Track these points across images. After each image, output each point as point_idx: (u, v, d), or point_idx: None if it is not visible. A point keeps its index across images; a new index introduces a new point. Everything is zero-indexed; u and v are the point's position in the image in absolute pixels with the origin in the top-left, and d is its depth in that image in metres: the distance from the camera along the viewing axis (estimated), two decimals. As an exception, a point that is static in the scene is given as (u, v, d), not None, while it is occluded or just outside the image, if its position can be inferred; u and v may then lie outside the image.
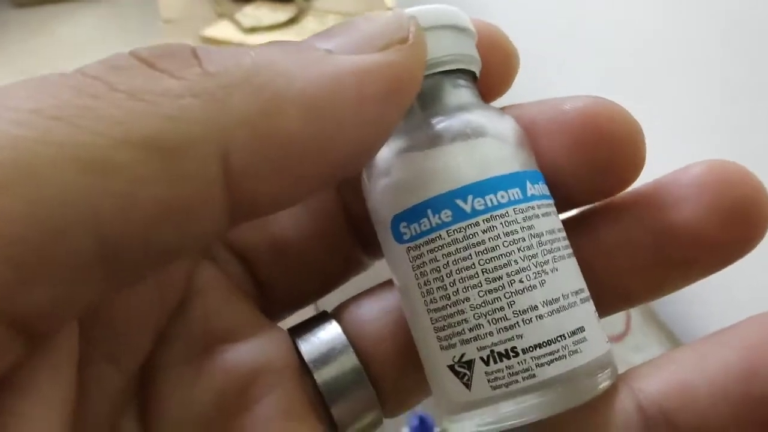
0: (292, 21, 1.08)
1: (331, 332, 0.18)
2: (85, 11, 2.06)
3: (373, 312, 0.18)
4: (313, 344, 0.18)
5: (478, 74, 0.18)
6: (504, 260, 0.15)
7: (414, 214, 0.16)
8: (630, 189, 0.17)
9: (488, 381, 0.15)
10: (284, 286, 0.19)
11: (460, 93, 0.17)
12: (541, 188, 0.16)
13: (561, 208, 0.17)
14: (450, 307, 0.16)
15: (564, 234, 0.16)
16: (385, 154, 0.17)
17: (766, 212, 0.16)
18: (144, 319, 0.17)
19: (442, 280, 0.16)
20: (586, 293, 0.16)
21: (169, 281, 0.17)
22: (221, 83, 0.12)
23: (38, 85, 0.11)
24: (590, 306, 0.16)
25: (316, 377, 0.17)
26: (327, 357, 0.18)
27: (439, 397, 0.16)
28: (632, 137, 0.16)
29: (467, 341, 0.15)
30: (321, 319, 0.19)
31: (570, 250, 0.16)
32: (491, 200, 0.15)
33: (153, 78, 0.12)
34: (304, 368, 0.18)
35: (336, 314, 0.19)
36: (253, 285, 0.19)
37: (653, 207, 0.17)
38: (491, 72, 0.18)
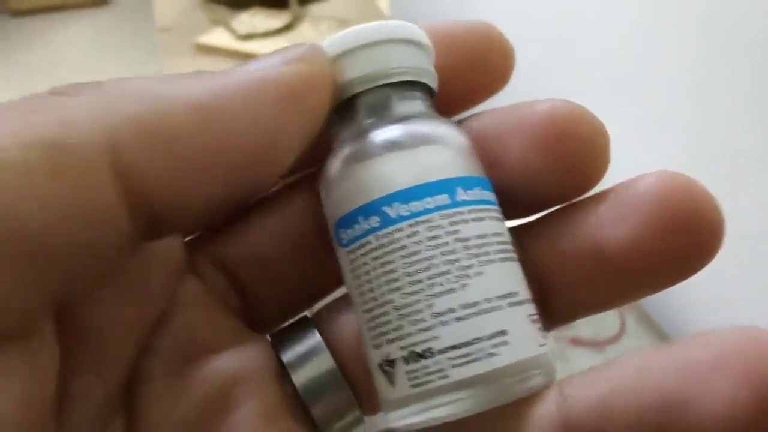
0: (287, 27, 1.09)
1: (309, 336, 0.19)
2: (81, 20, 2.06)
3: (351, 315, 0.18)
4: (292, 348, 0.19)
5: (433, 86, 0.19)
6: (425, 264, 0.16)
7: (349, 220, 0.17)
8: (587, 195, 0.18)
9: (408, 380, 0.16)
10: (270, 298, 0.19)
11: (407, 104, 0.18)
12: (478, 194, 0.17)
13: (533, 209, 0.18)
14: (378, 308, 0.16)
15: (503, 238, 0.17)
16: (335, 164, 0.18)
17: (715, 227, 0.16)
18: (125, 332, 0.17)
19: (371, 283, 0.17)
20: (520, 297, 0.16)
21: (149, 294, 0.18)
22: (113, 94, 0.14)
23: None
24: (522, 310, 0.16)
25: (293, 379, 0.18)
26: (304, 360, 0.18)
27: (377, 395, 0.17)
28: (596, 138, 0.17)
29: (391, 341, 0.16)
30: (301, 323, 0.19)
31: (507, 255, 0.17)
32: (416, 206, 0.16)
33: (55, 99, 0.14)
34: (284, 372, 0.18)
35: (316, 318, 0.19)
36: (237, 298, 0.19)
37: (600, 218, 0.17)
38: (488, 69, 0.19)
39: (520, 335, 0.16)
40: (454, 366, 0.15)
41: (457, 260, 0.16)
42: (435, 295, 0.16)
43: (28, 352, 0.14)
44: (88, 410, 0.16)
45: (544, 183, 0.18)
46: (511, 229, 0.18)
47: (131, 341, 0.17)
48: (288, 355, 0.18)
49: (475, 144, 0.18)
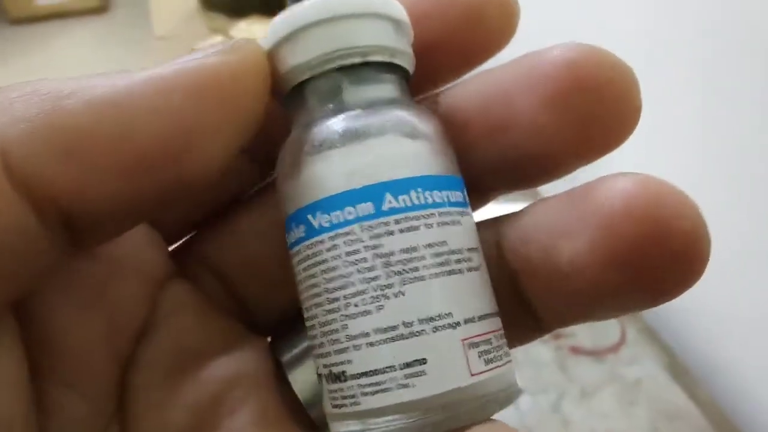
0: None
1: (305, 337, 0.17)
2: (80, 28, 2.06)
3: None
4: (289, 350, 0.18)
5: (403, 64, 0.16)
6: (342, 282, 0.15)
7: (287, 224, 0.16)
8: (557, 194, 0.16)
9: (330, 399, 0.15)
10: (262, 298, 0.19)
11: (364, 90, 0.16)
12: (419, 197, 0.15)
13: (552, 176, 0.16)
14: (309, 320, 0.16)
15: (446, 248, 0.15)
16: (280, 160, 0.16)
17: (696, 238, 0.14)
18: (100, 345, 0.17)
19: (302, 294, 0.16)
20: (454, 319, 0.14)
21: (122, 305, 0.17)
22: (10, 96, 0.13)
23: None
24: (454, 334, 0.14)
25: (290, 381, 0.17)
26: (301, 360, 0.18)
27: None
28: (622, 83, 0.15)
29: (318, 356, 0.15)
30: (298, 323, 0.18)
31: (448, 268, 0.15)
32: (337, 217, 0.15)
33: None
34: (281, 373, 0.18)
35: None
36: (230, 300, 0.19)
37: (562, 225, 0.15)
38: (486, 22, 0.17)
39: (446, 363, 0.14)
40: (363, 394, 0.14)
41: (375, 278, 0.14)
42: (350, 317, 0.14)
43: None
44: (68, 424, 0.16)
45: (562, 144, 0.15)
46: (486, 223, 0.17)
47: (109, 354, 0.17)
48: (285, 357, 0.18)
49: (480, 109, 0.16)
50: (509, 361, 0.15)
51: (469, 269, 0.15)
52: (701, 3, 0.54)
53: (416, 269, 0.14)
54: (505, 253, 0.16)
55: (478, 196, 0.18)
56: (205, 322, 0.18)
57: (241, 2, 1.14)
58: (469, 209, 0.16)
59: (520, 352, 0.56)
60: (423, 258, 0.14)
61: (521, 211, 0.16)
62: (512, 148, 0.16)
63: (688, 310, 0.59)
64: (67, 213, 0.14)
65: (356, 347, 0.14)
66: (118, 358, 0.17)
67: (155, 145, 0.14)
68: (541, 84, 0.15)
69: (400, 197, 0.15)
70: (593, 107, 0.15)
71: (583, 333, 0.58)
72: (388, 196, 0.15)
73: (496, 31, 0.17)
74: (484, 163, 0.17)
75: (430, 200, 0.15)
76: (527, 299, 0.16)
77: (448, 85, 0.18)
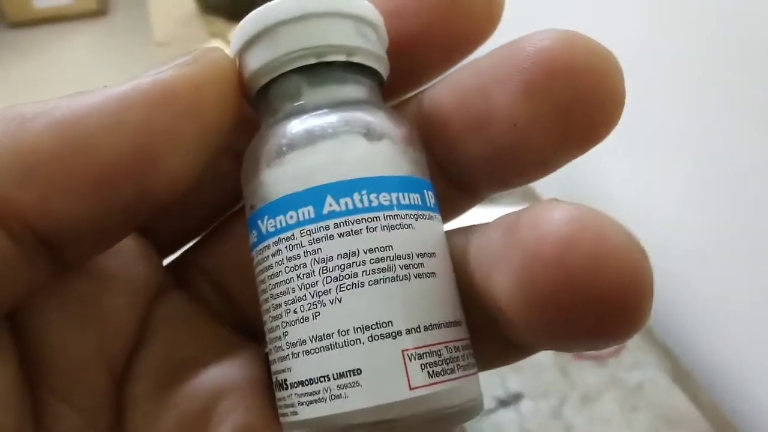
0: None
1: None
2: (80, 32, 2.06)
3: None
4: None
5: (369, 64, 0.16)
6: (284, 287, 0.14)
7: (247, 227, 0.16)
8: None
9: (278, 406, 0.15)
10: (257, 305, 0.19)
11: (325, 92, 0.16)
12: (363, 200, 0.14)
13: (534, 172, 0.16)
14: (264, 326, 0.16)
15: (385, 254, 0.14)
16: (244, 162, 0.16)
17: (637, 305, 0.12)
18: (90, 361, 0.17)
19: (257, 298, 0.16)
20: (392, 329, 0.14)
21: (113, 320, 0.17)
22: None
23: None
24: (393, 344, 0.14)
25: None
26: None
27: None
28: (602, 68, 0.14)
29: (270, 361, 0.15)
30: None
31: (383, 275, 0.14)
32: (280, 222, 0.15)
33: None
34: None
35: None
36: (226, 307, 0.19)
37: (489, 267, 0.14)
38: (469, 17, 0.16)
39: (382, 374, 0.13)
40: (300, 404, 0.14)
41: (313, 284, 0.14)
42: (290, 323, 0.14)
43: None
44: None
45: (541, 137, 0.14)
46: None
47: (103, 368, 0.17)
48: None
49: (459, 104, 0.16)
50: (468, 375, 0.14)
51: (419, 276, 0.14)
52: (697, 2, 0.54)
53: (355, 275, 0.14)
54: (467, 266, 0.15)
55: (467, 195, 0.18)
56: (199, 332, 0.18)
57: (239, 6, 1.14)
58: (431, 213, 0.15)
59: (521, 357, 0.56)
60: (363, 263, 0.14)
61: (484, 224, 0.15)
62: (492, 143, 0.15)
63: (689, 314, 0.59)
64: (39, 233, 0.14)
65: (294, 355, 0.14)
66: (111, 371, 0.17)
67: (114, 162, 0.14)
68: (516, 74, 0.14)
69: (342, 200, 0.14)
70: (570, 96, 0.14)
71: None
72: (329, 199, 0.14)
73: (477, 23, 0.16)
74: (468, 160, 0.16)
75: (375, 203, 0.14)
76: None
77: (433, 82, 0.17)
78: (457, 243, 0.16)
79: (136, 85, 0.14)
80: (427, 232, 0.15)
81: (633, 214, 0.59)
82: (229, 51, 0.16)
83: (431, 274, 0.14)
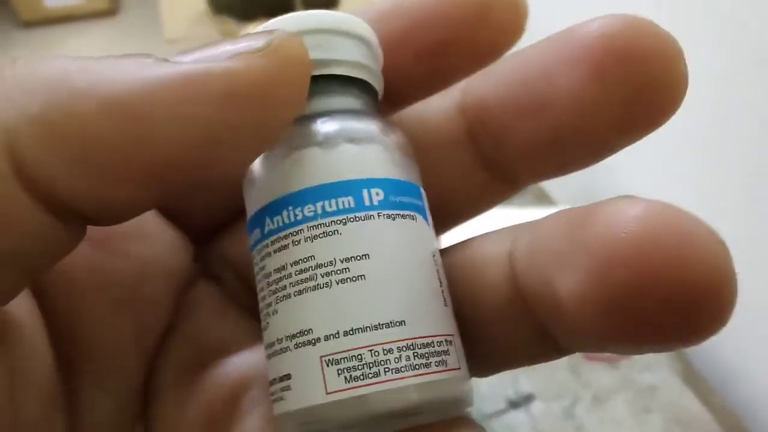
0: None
1: None
2: (90, 31, 2.07)
3: None
4: None
5: (355, 75, 0.16)
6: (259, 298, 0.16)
7: None
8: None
9: None
10: None
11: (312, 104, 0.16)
12: (287, 216, 0.15)
13: (587, 158, 0.16)
14: None
15: (308, 265, 0.15)
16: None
17: (722, 301, 0.11)
18: (128, 345, 0.17)
19: None
20: (312, 336, 0.14)
21: (149, 305, 0.17)
22: (23, 87, 0.12)
23: None
24: (313, 351, 0.14)
25: None
26: None
27: None
28: (668, 52, 0.14)
29: None
30: None
31: (305, 285, 0.14)
32: (252, 239, 0.16)
33: None
34: None
35: None
36: (253, 299, 0.19)
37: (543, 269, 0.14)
38: (494, 20, 0.17)
39: (305, 380, 0.14)
40: (272, 401, 0.15)
41: (263, 298, 0.15)
42: (263, 330, 0.15)
43: (14, 367, 0.14)
44: (97, 425, 0.16)
45: (606, 120, 0.14)
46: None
47: (136, 354, 0.17)
48: None
49: (516, 89, 0.16)
50: (404, 377, 0.14)
51: (342, 281, 0.14)
52: (715, 6, 0.53)
53: (284, 288, 0.15)
54: (515, 267, 0.15)
55: (509, 186, 0.18)
56: (225, 322, 0.18)
57: (250, 6, 1.15)
58: (369, 213, 0.15)
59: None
60: (290, 276, 0.15)
61: (532, 223, 0.15)
62: (552, 127, 0.15)
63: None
64: (84, 213, 0.13)
65: (266, 359, 0.15)
66: (146, 357, 0.17)
67: (176, 156, 0.13)
68: (583, 57, 0.14)
69: (275, 218, 0.15)
70: (638, 79, 0.14)
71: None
72: (267, 220, 0.15)
73: (503, 30, 0.17)
74: (520, 146, 0.16)
75: (299, 216, 0.15)
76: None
77: (475, 75, 0.17)
78: (495, 247, 0.16)
79: (206, 72, 0.13)
80: (358, 235, 0.15)
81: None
82: None
83: (358, 278, 0.14)
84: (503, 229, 0.16)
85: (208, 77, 0.13)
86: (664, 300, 0.11)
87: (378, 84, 0.17)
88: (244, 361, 0.17)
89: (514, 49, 0.17)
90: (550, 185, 0.71)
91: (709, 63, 0.55)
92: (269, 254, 0.15)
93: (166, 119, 0.12)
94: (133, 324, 0.17)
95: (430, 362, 0.14)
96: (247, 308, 0.19)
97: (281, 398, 0.15)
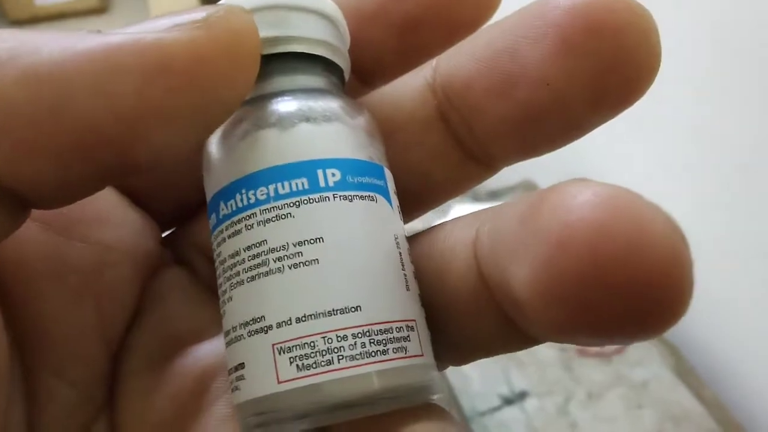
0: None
1: None
2: (80, 29, 2.06)
3: None
4: None
5: (321, 54, 0.16)
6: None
7: None
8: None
9: None
10: None
11: (273, 82, 0.16)
12: (240, 200, 0.14)
13: (560, 137, 0.15)
14: None
15: (260, 249, 0.14)
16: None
17: (678, 291, 0.11)
18: (87, 334, 0.16)
19: None
20: (264, 323, 0.14)
21: (112, 293, 0.17)
22: None
23: None
24: (267, 338, 0.14)
25: None
26: None
27: None
28: (641, 26, 0.13)
29: None
30: None
31: (257, 271, 0.14)
32: (212, 222, 0.15)
33: None
34: None
35: None
36: None
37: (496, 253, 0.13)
38: (468, 3, 0.17)
39: (257, 369, 0.14)
40: (231, 391, 0.15)
41: (220, 285, 0.15)
42: (222, 318, 0.15)
43: None
44: (59, 414, 0.16)
45: (576, 97, 0.14)
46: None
47: (99, 342, 0.17)
48: None
49: (483, 66, 0.15)
50: (360, 365, 0.14)
51: (294, 266, 0.14)
52: (700, 4, 0.53)
53: (238, 273, 0.14)
54: (478, 255, 0.14)
55: (484, 167, 0.17)
56: (194, 308, 0.18)
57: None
58: (324, 194, 0.15)
59: (525, 354, 0.56)
60: (243, 261, 0.14)
61: (494, 208, 0.15)
62: (521, 105, 0.14)
63: (693, 311, 0.58)
64: (16, 193, 0.13)
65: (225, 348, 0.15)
66: (108, 345, 0.17)
67: (94, 130, 0.12)
68: (551, 31, 0.13)
69: (228, 203, 0.15)
70: (609, 54, 0.13)
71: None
72: (221, 205, 0.15)
73: (476, 5, 0.17)
74: (493, 125, 0.15)
75: (252, 200, 0.14)
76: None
77: (445, 53, 0.17)
78: (461, 233, 0.15)
79: (134, 44, 0.12)
80: (312, 217, 0.14)
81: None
82: None
83: (311, 262, 0.14)
84: (471, 214, 0.16)
85: (136, 47, 0.12)
86: (618, 290, 0.10)
87: (343, 62, 0.17)
88: (212, 349, 0.17)
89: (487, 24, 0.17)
90: (539, 176, 0.71)
91: (702, 52, 0.55)
92: (224, 240, 0.15)
93: (88, 91, 0.12)
94: (94, 311, 0.17)
95: (388, 348, 0.14)
96: (215, 294, 0.18)
97: (237, 388, 0.14)
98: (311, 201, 0.14)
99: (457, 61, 0.16)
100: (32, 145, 0.12)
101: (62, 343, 0.16)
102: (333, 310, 0.14)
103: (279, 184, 0.14)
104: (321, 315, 0.14)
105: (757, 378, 0.54)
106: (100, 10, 2.12)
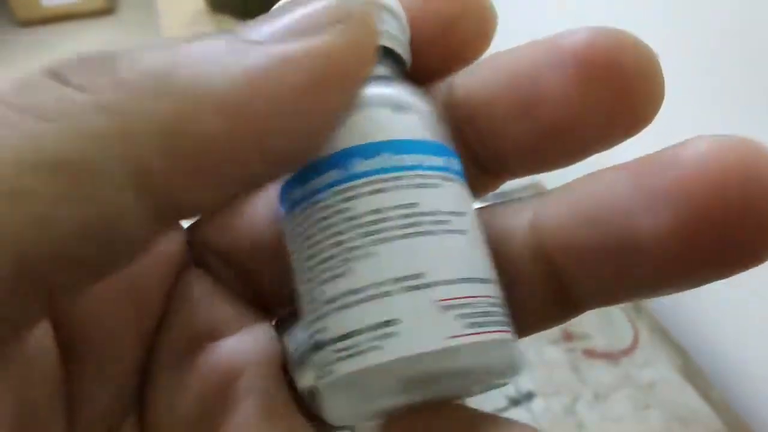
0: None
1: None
2: (88, 29, 2.07)
3: None
4: (294, 338, 0.18)
5: (393, 47, 0.17)
6: (317, 248, 0.15)
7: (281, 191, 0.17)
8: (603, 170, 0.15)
9: (314, 370, 0.15)
10: (273, 284, 0.19)
11: None
12: (390, 160, 0.15)
13: (572, 156, 0.16)
14: (297, 292, 0.16)
15: (412, 210, 0.14)
16: None
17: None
18: (126, 333, 0.17)
19: (271, 274, 0.17)
20: (429, 279, 0.14)
21: (149, 291, 0.17)
22: (132, 92, 0.12)
23: None
24: (428, 294, 0.14)
25: (293, 374, 0.17)
26: (304, 354, 0.17)
27: None
28: (646, 67, 0.15)
29: (303, 327, 0.15)
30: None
31: (411, 230, 0.14)
32: (312, 186, 0.15)
33: (62, 95, 0.11)
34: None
35: None
36: (243, 285, 0.19)
37: (629, 204, 0.14)
38: (464, 33, 0.18)
39: (417, 325, 0.14)
40: (338, 359, 0.14)
41: (342, 242, 0.14)
42: (324, 282, 0.14)
43: (21, 356, 0.14)
44: (94, 414, 0.16)
45: (591, 121, 0.15)
46: (515, 203, 0.17)
47: (137, 341, 0.17)
48: (291, 347, 0.18)
49: (506, 86, 0.16)
50: (504, 332, 0.15)
51: (448, 231, 0.15)
52: (705, 3, 0.53)
53: (384, 230, 0.14)
54: (544, 234, 0.16)
55: (496, 178, 0.18)
56: (216, 304, 0.18)
57: (248, 4, 1.14)
58: (456, 177, 0.16)
59: (533, 355, 0.56)
60: (390, 219, 0.14)
61: (559, 191, 0.16)
62: (540, 126, 0.16)
63: (701, 312, 0.58)
64: (187, 214, 0.13)
65: (330, 312, 0.14)
66: (143, 342, 0.17)
67: (283, 145, 0.13)
68: (570, 62, 0.15)
69: (369, 161, 0.15)
70: (618, 88, 0.15)
71: (597, 336, 0.58)
72: (357, 161, 0.15)
73: (474, 38, 0.18)
74: (508, 141, 0.17)
75: (399, 163, 0.15)
76: (563, 279, 0.16)
77: (461, 72, 0.18)
78: (513, 217, 0.16)
79: (303, 56, 0.12)
80: (454, 193, 0.15)
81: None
82: None
83: (461, 231, 0.15)
84: (511, 202, 0.17)
85: (295, 63, 0.12)
86: (742, 220, 0.13)
87: (408, 56, 0.18)
88: (238, 348, 0.17)
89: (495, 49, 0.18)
90: (550, 181, 0.71)
91: (706, 54, 0.55)
92: (356, 196, 0.15)
93: (271, 117, 0.12)
94: (130, 308, 0.17)
95: (508, 321, 0.15)
96: (238, 296, 0.19)
97: (377, 347, 0.14)
98: (449, 180, 0.15)
99: (476, 82, 0.17)
100: (233, 178, 0.13)
101: (102, 339, 0.16)
102: (482, 279, 0.15)
103: (426, 157, 0.15)
104: (477, 281, 0.14)
105: (764, 380, 0.54)
106: (107, 11, 2.14)
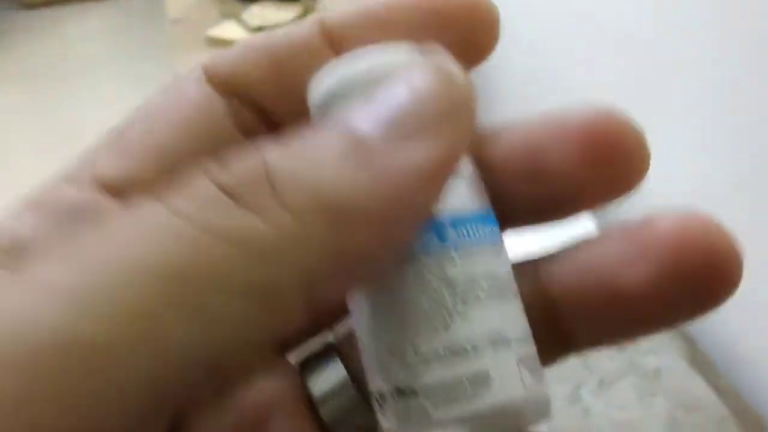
0: (298, 20, 1.08)
1: (333, 366, 0.19)
2: (91, 12, 2.06)
3: None
4: (318, 379, 0.19)
5: None
6: (412, 305, 0.16)
7: None
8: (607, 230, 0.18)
9: (395, 415, 0.16)
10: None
11: None
12: (472, 230, 0.17)
13: (572, 214, 0.19)
14: (361, 343, 0.17)
15: (494, 276, 0.17)
16: None
17: (734, 267, 0.16)
18: None
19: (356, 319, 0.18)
20: (508, 338, 0.16)
21: None
22: (296, 214, 0.13)
23: (139, 239, 0.12)
24: (509, 352, 0.16)
25: (321, 413, 0.18)
26: (331, 392, 0.19)
27: None
28: (638, 147, 0.17)
29: (375, 376, 0.17)
30: (326, 351, 0.20)
31: (496, 293, 0.16)
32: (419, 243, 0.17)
33: (238, 216, 0.13)
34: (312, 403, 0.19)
35: (341, 344, 0.20)
36: None
37: (619, 257, 0.17)
38: (472, 41, 0.18)
39: (505, 378, 0.16)
40: (435, 405, 0.16)
41: (442, 301, 0.16)
42: (420, 335, 0.16)
43: None
44: None
45: (591, 189, 0.18)
46: (525, 261, 0.18)
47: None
48: (315, 387, 0.19)
49: (519, 155, 0.18)
50: (544, 377, 0.17)
51: (515, 295, 0.17)
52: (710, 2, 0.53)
53: (477, 294, 0.16)
54: (547, 285, 0.18)
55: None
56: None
57: (253, -14, 1.14)
58: (502, 244, 0.18)
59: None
60: (480, 283, 0.16)
61: (564, 250, 0.18)
62: (546, 191, 0.18)
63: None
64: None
65: (422, 363, 0.16)
66: None
67: (414, 232, 0.15)
68: (573, 141, 0.17)
69: (460, 230, 0.16)
70: (615, 160, 0.17)
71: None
72: (449, 230, 0.16)
73: (480, 47, 0.19)
74: (518, 199, 0.18)
75: (481, 233, 0.17)
76: (563, 325, 0.18)
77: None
78: (523, 270, 0.18)
79: (424, 171, 0.14)
80: (508, 258, 0.17)
81: (654, 203, 0.58)
82: (311, 97, 0.17)
83: (517, 294, 0.17)
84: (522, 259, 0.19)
85: (430, 173, 0.14)
86: (710, 272, 0.16)
87: None
88: (266, 386, 0.18)
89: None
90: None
91: (712, 49, 0.54)
92: (455, 261, 0.16)
93: (410, 219, 0.14)
94: None
95: (542, 374, 0.17)
96: None
97: (474, 396, 0.15)
98: (503, 245, 0.17)
99: (499, 143, 0.19)
100: (369, 270, 0.15)
101: None
102: (531, 334, 0.17)
103: (493, 227, 0.17)
104: (530, 336, 0.17)
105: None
106: (111, -7, 2.13)
